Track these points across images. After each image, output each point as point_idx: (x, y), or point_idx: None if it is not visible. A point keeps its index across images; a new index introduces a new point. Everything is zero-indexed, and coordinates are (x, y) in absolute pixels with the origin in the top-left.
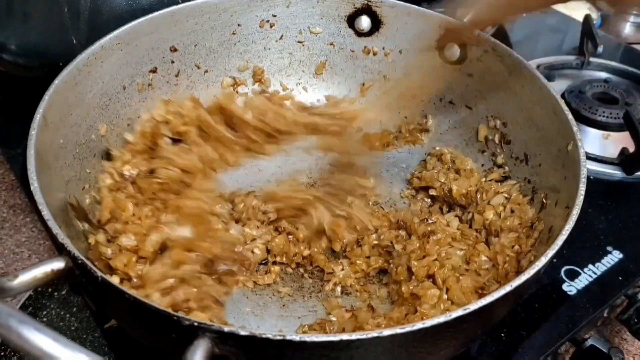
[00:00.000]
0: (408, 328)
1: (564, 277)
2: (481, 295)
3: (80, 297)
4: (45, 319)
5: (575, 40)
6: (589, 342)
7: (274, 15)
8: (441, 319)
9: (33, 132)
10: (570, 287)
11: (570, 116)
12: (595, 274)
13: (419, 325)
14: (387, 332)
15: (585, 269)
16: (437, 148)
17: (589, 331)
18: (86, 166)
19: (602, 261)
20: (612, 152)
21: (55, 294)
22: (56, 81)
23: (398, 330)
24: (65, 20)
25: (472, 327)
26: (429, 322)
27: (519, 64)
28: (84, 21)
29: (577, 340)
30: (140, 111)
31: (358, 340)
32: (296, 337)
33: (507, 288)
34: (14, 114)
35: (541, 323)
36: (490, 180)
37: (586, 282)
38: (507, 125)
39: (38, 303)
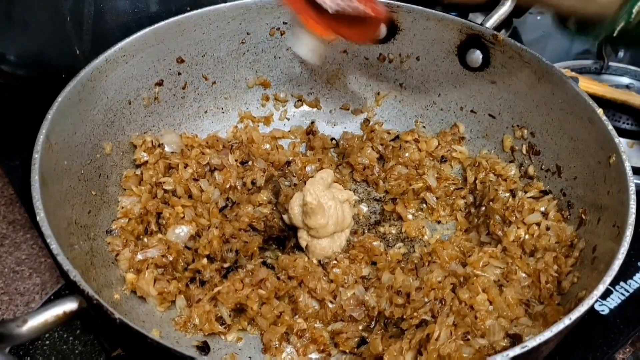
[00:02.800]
0: None
1: None
2: (527, 311)
3: (93, 336)
4: (47, 342)
5: (585, 43)
6: None
7: (284, 23)
8: (498, 358)
9: (37, 156)
10: (603, 307)
11: (610, 126)
12: (627, 291)
13: None
14: None
15: (617, 287)
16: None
17: (624, 351)
18: (91, 188)
19: (634, 278)
20: (638, 162)
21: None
22: (59, 98)
23: None
24: (67, 29)
25: None
26: None
27: (549, 71)
28: (88, 30)
29: None
30: (146, 127)
31: None
32: None
33: (567, 321)
34: (13, 125)
35: (576, 347)
36: (528, 197)
37: (619, 301)
38: (536, 135)
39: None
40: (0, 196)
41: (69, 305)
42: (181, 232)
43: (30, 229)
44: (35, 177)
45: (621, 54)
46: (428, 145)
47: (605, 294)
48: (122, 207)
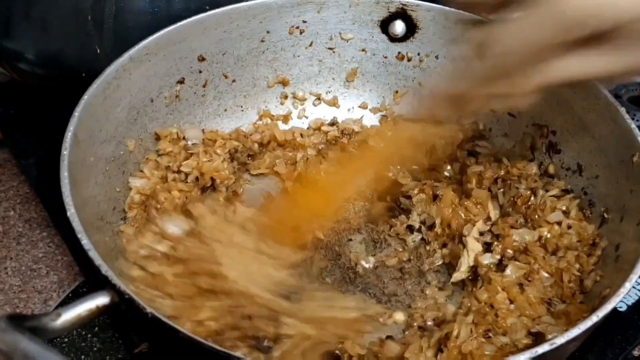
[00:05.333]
0: None
1: None
2: (549, 309)
3: (116, 328)
4: (66, 339)
5: None
6: None
7: (304, 22)
8: (527, 355)
9: (65, 152)
10: (621, 304)
11: (633, 125)
12: None
13: None
14: None
15: (635, 284)
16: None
17: None
18: (115, 184)
19: None
20: None
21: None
22: (85, 96)
23: None
24: (88, 28)
25: None
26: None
27: None
28: (109, 30)
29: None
30: (167, 124)
31: None
32: None
33: (594, 319)
34: (26, 124)
35: (593, 343)
36: (550, 196)
37: (636, 297)
38: (557, 134)
39: None
40: (16, 195)
41: (101, 300)
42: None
43: (47, 227)
44: (64, 174)
45: None
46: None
47: None
48: (131, 189)
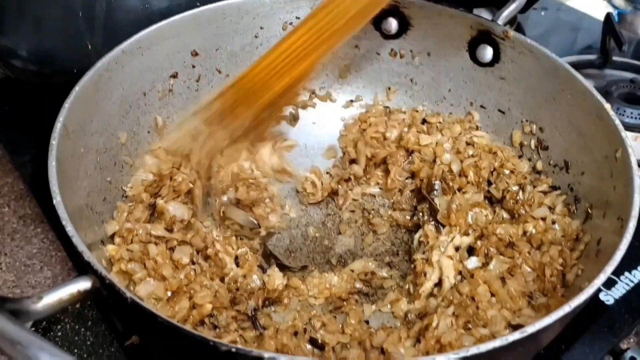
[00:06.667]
0: (462, 353)
1: (601, 286)
2: (530, 302)
3: (103, 315)
4: (59, 333)
5: (588, 38)
6: (629, 354)
7: (297, 18)
8: (497, 343)
9: (54, 142)
10: (608, 297)
11: (617, 121)
12: (632, 282)
13: (473, 349)
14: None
15: (622, 277)
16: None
17: (628, 341)
18: (106, 175)
19: (639, 269)
20: None
21: (69, 307)
22: (77, 88)
23: (452, 355)
24: (80, 24)
25: (526, 350)
26: (483, 347)
27: (558, 67)
28: (100, 26)
29: (616, 352)
30: (161, 118)
31: None
32: None
33: (566, 309)
34: (22, 121)
35: (580, 335)
36: (538, 192)
37: (623, 291)
38: (544, 131)
39: (51, 317)
40: (10, 191)
41: (83, 284)
42: (177, 210)
43: (41, 223)
44: (52, 163)
45: (625, 48)
46: (452, 130)
47: (610, 285)
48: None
